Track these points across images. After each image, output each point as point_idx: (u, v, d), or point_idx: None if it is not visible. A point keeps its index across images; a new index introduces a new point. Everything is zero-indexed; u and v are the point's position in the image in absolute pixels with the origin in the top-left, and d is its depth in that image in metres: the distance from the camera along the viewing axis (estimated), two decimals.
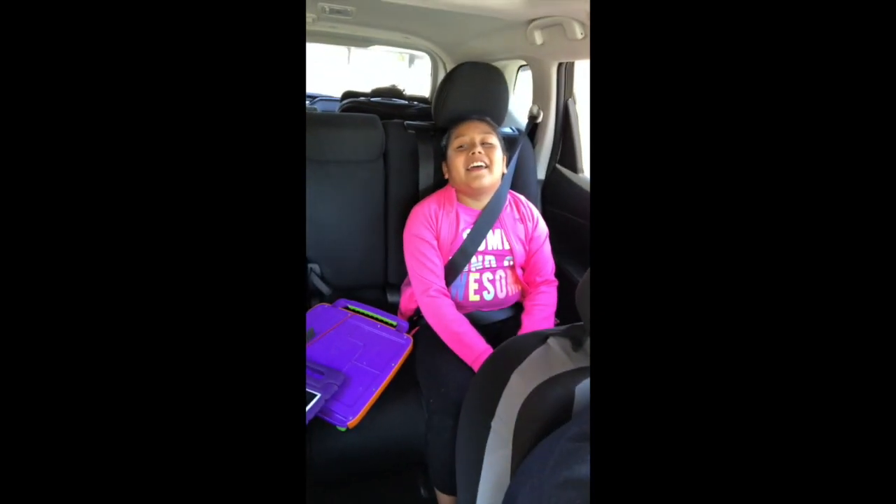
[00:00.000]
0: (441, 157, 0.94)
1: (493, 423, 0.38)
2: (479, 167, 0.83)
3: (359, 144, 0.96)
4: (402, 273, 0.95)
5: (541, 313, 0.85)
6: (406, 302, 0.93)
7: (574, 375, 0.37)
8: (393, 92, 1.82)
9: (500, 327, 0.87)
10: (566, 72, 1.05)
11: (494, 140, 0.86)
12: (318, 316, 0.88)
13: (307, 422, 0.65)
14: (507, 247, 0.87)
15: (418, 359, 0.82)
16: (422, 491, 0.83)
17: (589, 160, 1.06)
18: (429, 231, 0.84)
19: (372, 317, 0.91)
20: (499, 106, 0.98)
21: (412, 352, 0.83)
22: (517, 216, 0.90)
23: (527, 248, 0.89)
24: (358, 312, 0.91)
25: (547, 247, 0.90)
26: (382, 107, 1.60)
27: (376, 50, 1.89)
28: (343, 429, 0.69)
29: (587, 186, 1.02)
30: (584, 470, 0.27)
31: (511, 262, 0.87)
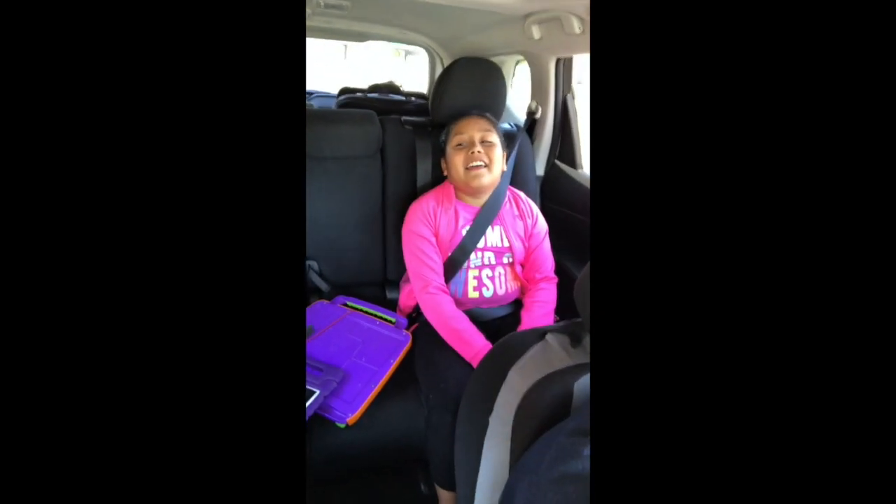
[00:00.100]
0: (439, 153, 0.93)
1: (491, 420, 0.38)
2: (478, 166, 0.82)
3: (356, 140, 0.96)
4: (401, 269, 0.94)
5: (540, 310, 0.85)
6: (405, 298, 0.93)
7: (572, 372, 0.37)
8: (390, 88, 1.80)
9: (500, 324, 0.87)
10: (564, 67, 1.04)
11: (494, 138, 0.86)
12: (317, 313, 0.88)
13: (306, 419, 0.65)
14: (506, 244, 0.87)
15: (417, 355, 0.82)
16: (422, 487, 0.83)
17: (588, 156, 1.06)
18: (427, 228, 0.84)
19: (371, 313, 0.90)
20: (496, 101, 0.98)
21: (411, 348, 0.83)
22: (516, 213, 0.89)
23: (526, 244, 0.89)
24: (357, 309, 0.91)
25: (546, 243, 0.90)
26: (379, 103, 1.59)
27: (373, 46, 1.88)
28: (342, 425, 0.69)
29: (586, 182, 1.01)
30: (581, 465, 0.27)
31: (510, 259, 0.87)
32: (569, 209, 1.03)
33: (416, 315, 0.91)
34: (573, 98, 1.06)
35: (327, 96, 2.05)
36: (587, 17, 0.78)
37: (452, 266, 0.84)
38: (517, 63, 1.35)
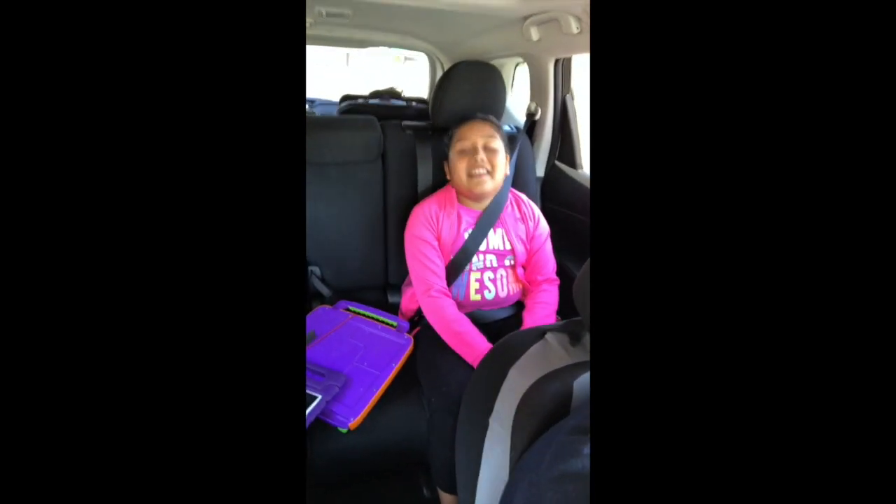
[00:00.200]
0: (440, 157, 0.94)
1: (491, 421, 0.38)
2: (480, 174, 0.82)
3: (357, 145, 0.96)
4: (403, 274, 0.94)
5: (542, 311, 0.84)
6: (407, 302, 0.93)
7: (572, 370, 0.36)
8: (391, 93, 1.82)
9: (502, 326, 0.87)
10: (563, 68, 1.05)
11: (497, 143, 0.85)
12: (319, 318, 0.88)
13: (308, 424, 0.65)
14: (508, 246, 0.86)
15: (419, 358, 0.82)
16: (424, 491, 0.82)
17: (588, 156, 1.06)
18: (430, 231, 0.84)
19: (372, 318, 0.90)
20: (496, 104, 0.98)
21: (413, 352, 0.83)
22: (518, 215, 0.89)
23: (528, 247, 0.88)
24: (358, 314, 0.91)
25: (548, 246, 0.90)
26: (381, 108, 1.60)
27: (374, 52, 1.90)
28: (344, 430, 0.69)
29: (586, 182, 1.01)
30: (580, 463, 0.26)
31: (512, 262, 0.87)
32: (569, 209, 1.03)
33: (417, 318, 0.91)
34: (572, 98, 1.07)
35: (329, 104, 2.07)
36: (584, 18, 0.78)
37: (454, 269, 0.84)
38: (517, 65, 1.36)
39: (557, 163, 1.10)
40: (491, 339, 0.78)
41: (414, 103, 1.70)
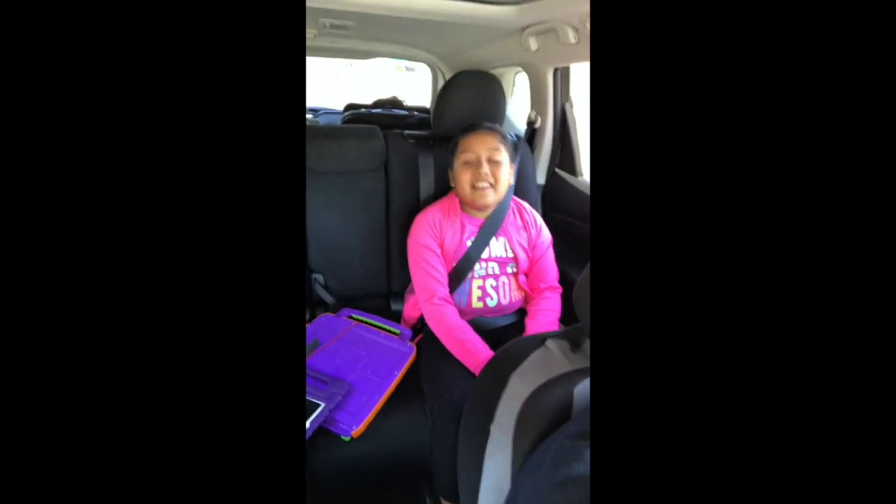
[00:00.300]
0: (442, 165, 0.95)
1: (492, 428, 0.38)
2: (483, 187, 0.83)
3: (360, 154, 0.97)
4: (405, 281, 0.95)
5: (545, 318, 0.84)
6: (409, 310, 0.93)
7: (572, 377, 0.37)
8: (393, 103, 1.84)
9: (504, 333, 0.87)
10: (562, 76, 1.06)
11: (502, 156, 0.85)
12: (322, 326, 0.89)
13: (311, 432, 0.65)
14: (510, 254, 0.87)
15: (422, 366, 0.82)
16: (427, 500, 0.82)
17: (588, 163, 1.06)
18: (433, 239, 0.85)
19: (375, 325, 0.91)
20: (496, 112, 0.99)
21: (416, 359, 0.83)
22: (520, 224, 0.90)
23: (530, 255, 0.89)
24: (361, 321, 0.92)
25: (550, 254, 0.90)
26: (383, 117, 1.62)
27: (377, 63, 1.92)
28: (347, 438, 0.69)
29: (587, 189, 1.01)
30: (583, 467, 0.27)
31: (514, 269, 0.87)
32: (570, 217, 1.03)
33: (420, 326, 0.91)
34: (571, 107, 1.07)
35: (333, 112, 2.09)
36: (581, 28, 0.79)
37: (457, 276, 0.85)
38: (516, 74, 1.37)
39: (558, 170, 1.11)
40: (493, 346, 0.78)
41: (416, 112, 1.72)
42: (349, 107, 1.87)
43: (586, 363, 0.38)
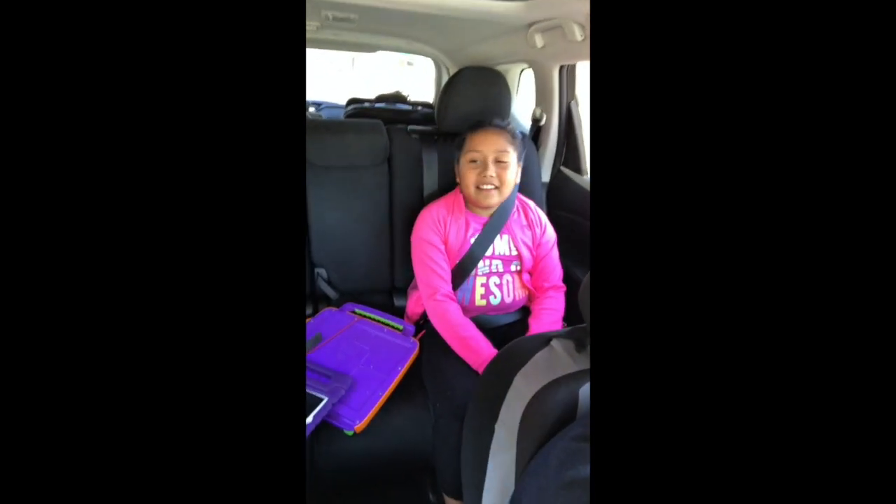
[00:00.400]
0: (446, 161, 0.94)
1: (497, 427, 0.38)
2: (488, 189, 0.82)
3: (363, 149, 0.97)
4: (409, 277, 0.95)
5: (548, 317, 0.84)
6: (413, 306, 0.93)
7: (578, 377, 0.37)
8: (396, 98, 1.83)
9: (507, 331, 0.87)
10: (568, 74, 1.05)
11: (509, 157, 0.83)
12: (326, 320, 0.89)
13: (314, 426, 0.66)
14: (514, 252, 0.87)
15: (425, 362, 0.82)
16: (430, 496, 0.82)
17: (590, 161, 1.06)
18: (437, 235, 0.85)
19: (378, 320, 0.91)
20: (501, 109, 0.99)
21: (419, 355, 0.84)
22: (525, 222, 0.89)
23: (534, 253, 0.88)
24: (365, 316, 0.92)
25: (554, 252, 0.90)
26: (386, 112, 1.61)
27: (381, 56, 1.90)
28: (350, 433, 0.69)
29: None
30: (589, 470, 0.27)
31: (518, 267, 0.87)
32: (574, 215, 1.03)
33: (423, 322, 0.92)
34: (577, 104, 1.07)
35: (336, 106, 2.08)
36: (588, 25, 0.79)
37: (460, 273, 0.85)
38: (522, 71, 1.37)
39: (563, 168, 1.10)
40: (496, 344, 0.78)
41: (419, 107, 1.71)
42: (352, 101, 1.86)
43: None
